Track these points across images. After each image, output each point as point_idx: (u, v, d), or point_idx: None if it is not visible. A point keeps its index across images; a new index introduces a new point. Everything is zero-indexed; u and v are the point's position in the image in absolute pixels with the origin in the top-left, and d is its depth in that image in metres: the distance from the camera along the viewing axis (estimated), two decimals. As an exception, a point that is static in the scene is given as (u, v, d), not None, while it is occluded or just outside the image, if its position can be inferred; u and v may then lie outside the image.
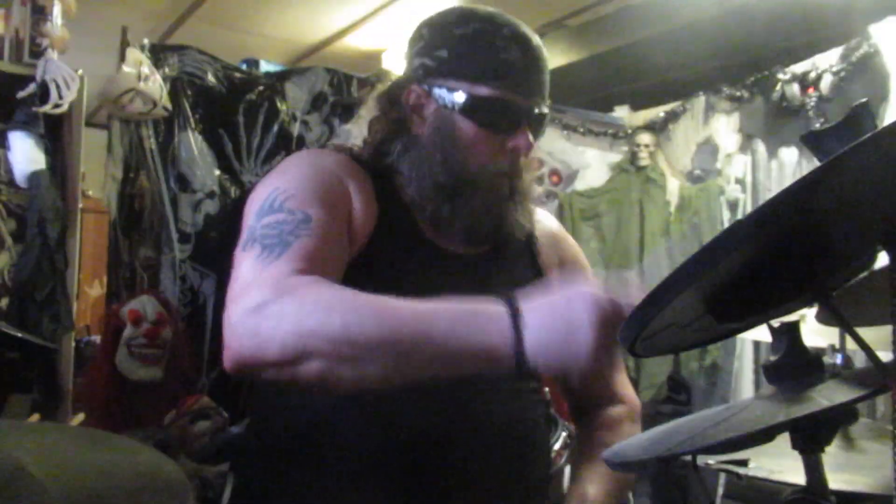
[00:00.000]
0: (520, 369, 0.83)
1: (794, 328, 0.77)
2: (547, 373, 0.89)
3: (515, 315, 0.84)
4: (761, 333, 0.90)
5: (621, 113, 4.34)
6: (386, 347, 0.85)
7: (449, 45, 1.17)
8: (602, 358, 0.83)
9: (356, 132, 1.29)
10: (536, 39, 1.19)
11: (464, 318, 0.85)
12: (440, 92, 1.16)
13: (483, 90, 1.14)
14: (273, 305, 0.87)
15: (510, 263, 1.26)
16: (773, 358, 0.77)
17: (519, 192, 1.21)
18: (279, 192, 1.06)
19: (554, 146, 4.08)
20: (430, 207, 1.18)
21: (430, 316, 0.86)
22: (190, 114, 3.14)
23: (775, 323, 0.81)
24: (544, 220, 1.38)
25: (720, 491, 2.25)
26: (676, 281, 0.69)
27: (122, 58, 2.83)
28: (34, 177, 2.37)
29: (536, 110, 1.18)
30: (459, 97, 1.15)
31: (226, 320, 0.90)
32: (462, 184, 1.16)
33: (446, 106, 1.16)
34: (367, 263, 1.12)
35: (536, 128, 1.20)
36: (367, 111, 1.31)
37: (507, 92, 1.15)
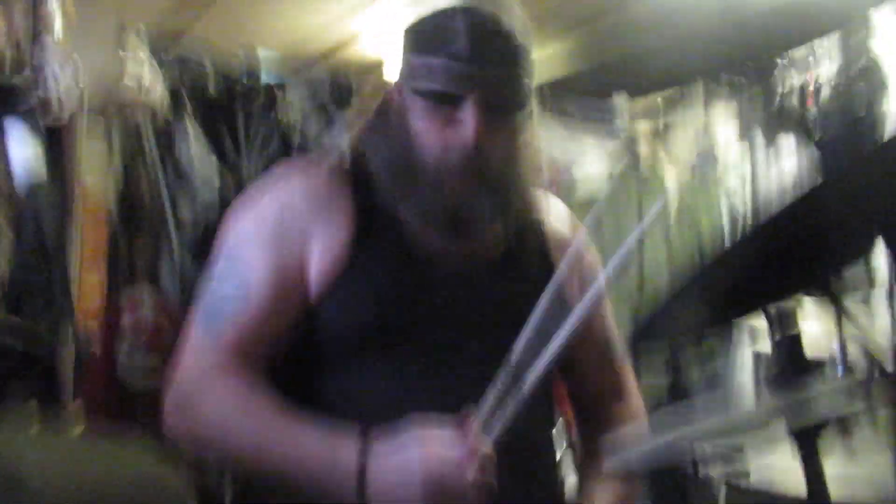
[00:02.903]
0: None
1: (794, 339, 0.77)
2: None
3: (362, 478, 0.95)
4: (762, 345, 0.91)
5: (619, 101, 4.32)
6: (255, 471, 1.10)
7: (409, 29, 1.13)
8: None
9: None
10: (490, 7, 1.09)
11: (319, 473, 0.99)
12: (400, 79, 1.13)
13: (423, 59, 1.09)
14: (178, 421, 1.13)
15: (518, 270, 1.17)
16: (773, 368, 0.77)
17: (498, 177, 1.10)
18: (238, 238, 1.15)
19: (550, 134, 4.07)
20: (397, 197, 1.11)
21: (293, 463, 1.02)
22: (190, 111, 3.13)
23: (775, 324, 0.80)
24: (554, 206, 1.29)
25: (721, 502, 2.24)
26: (677, 288, 0.69)
27: (121, 47, 2.83)
28: (32, 174, 2.37)
29: (487, 74, 1.07)
30: (406, 72, 1.11)
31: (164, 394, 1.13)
32: (417, 165, 1.09)
33: (404, 88, 1.12)
34: (348, 285, 1.09)
35: (500, 98, 1.09)
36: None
37: (446, 58, 1.06)
